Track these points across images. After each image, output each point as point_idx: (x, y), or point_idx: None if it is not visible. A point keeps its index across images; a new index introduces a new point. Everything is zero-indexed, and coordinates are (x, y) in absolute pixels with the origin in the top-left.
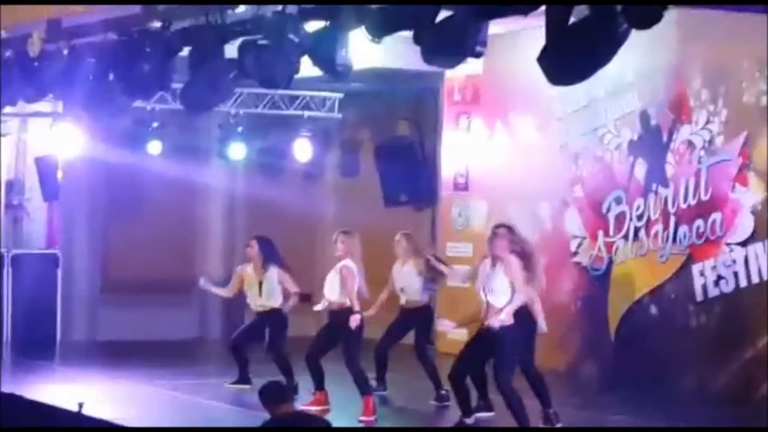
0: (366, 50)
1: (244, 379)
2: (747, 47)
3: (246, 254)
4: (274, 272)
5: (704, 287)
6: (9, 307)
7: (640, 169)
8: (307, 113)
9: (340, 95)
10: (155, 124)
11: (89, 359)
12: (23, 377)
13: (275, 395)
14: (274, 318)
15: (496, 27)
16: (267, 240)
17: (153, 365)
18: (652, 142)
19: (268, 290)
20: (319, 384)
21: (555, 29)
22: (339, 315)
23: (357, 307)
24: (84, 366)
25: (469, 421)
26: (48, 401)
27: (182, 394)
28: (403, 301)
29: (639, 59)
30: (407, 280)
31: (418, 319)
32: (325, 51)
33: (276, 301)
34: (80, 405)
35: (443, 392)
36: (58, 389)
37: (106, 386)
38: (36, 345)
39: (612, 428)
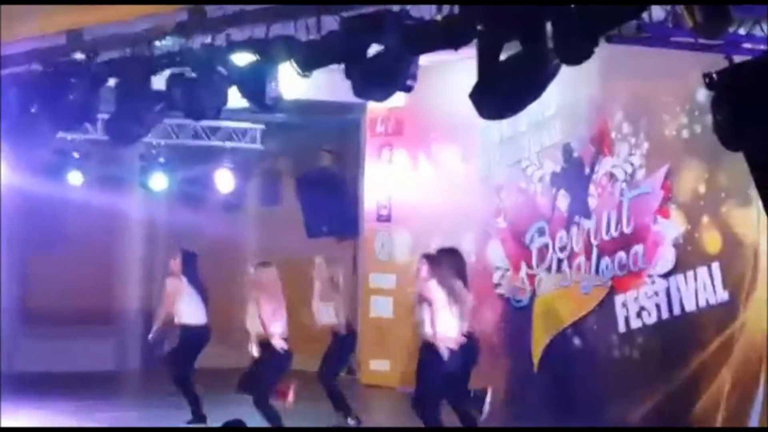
0: (289, 82)
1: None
2: (668, 81)
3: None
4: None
5: (626, 319)
6: None
7: (563, 201)
8: (228, 144)
9: (261, 126)
10: (76, 155)
11: (8, 391)
12: None
13: None
14: (181, 334)
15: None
16: (189, 253)
17: (72, 397)
18: (574, 175)
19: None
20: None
21: (486, 64)
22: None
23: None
24: (3, 398)
25: None
26: None
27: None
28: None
29: (561, 92)
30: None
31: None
32: (254, 84)
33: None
34: None
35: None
36: None
37: (25, 419)
38: None
39: (608, 428)
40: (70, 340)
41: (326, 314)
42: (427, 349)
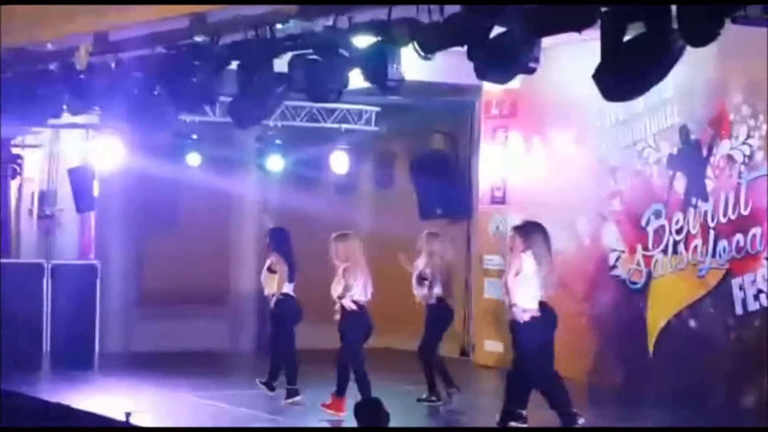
0: (405, 63)
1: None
2: None
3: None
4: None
5: (743, 301)
6: (49, 317)
7: (680, 184)
8: (344, 126)
9: (377, 108)
10: (194, 137)
11: (127, 370)
12: (65, 388)
13: (370, 416)
14: (273, 307)
15: None
16: (278, 230)
17: (191, 375)
18: (691, 157)
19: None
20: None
21: (610, 45)
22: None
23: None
24: (123, 376)
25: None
26: (92, 410)
27: (227, 405)
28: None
29: (678, 74)
30: None
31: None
32: (376, 65)
33: (268, 288)
34: (127, 415)
35: (452, 390)
36: (101, 399)
37: (148, 397)
38: (75, 356)
39: (614, 428)
40: (186, 320)
41: (423, 288)
42: (517, 323)
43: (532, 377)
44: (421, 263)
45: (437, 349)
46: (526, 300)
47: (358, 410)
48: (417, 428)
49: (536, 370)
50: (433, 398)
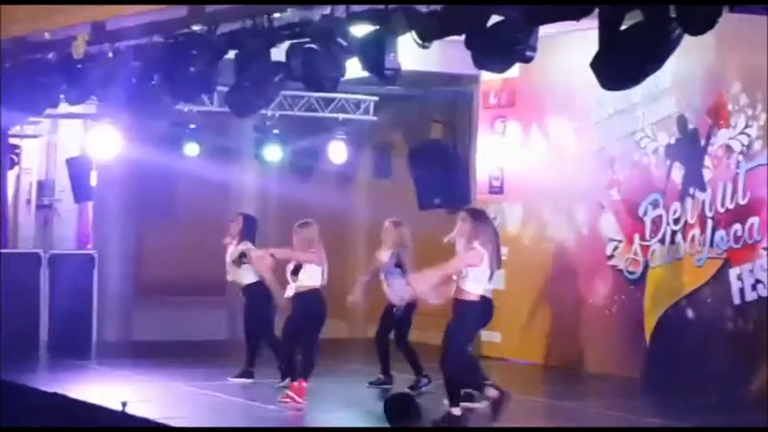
0: (403, 53)
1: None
2: None
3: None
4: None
5: (741, 291)
6: (46, 307)
7: (677, 173)
8: (342, 116)
9: (375, 98)
10: (192, 126)
11: (125, 359)
12: (62, 376)
13: (400, 411)
14: (244, 294)
15: None
16: (251, 217)
17: (188, 365)
18: (689, 146)
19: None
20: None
21: (608, 34)
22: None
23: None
24: (120, 366)
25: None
26: (89, 400)
27: (223, 395)
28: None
29: (676, 63)
30: None
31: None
32: (374, 55)
33: (238, 277)
34: (124, 404)
35: (423, 379)
36: (97, 388)
37: (145, 386)
38: (72, 345)
39: (608, 428)
40: (183, 309)
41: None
42: (462, 303)
43: (449, 357)
44: (385, 255)
45: (387, 339)
46: (470, 285)
47: (389, 405)
48: (422, 428)
49: (455, 353)
50: (387, 382)
